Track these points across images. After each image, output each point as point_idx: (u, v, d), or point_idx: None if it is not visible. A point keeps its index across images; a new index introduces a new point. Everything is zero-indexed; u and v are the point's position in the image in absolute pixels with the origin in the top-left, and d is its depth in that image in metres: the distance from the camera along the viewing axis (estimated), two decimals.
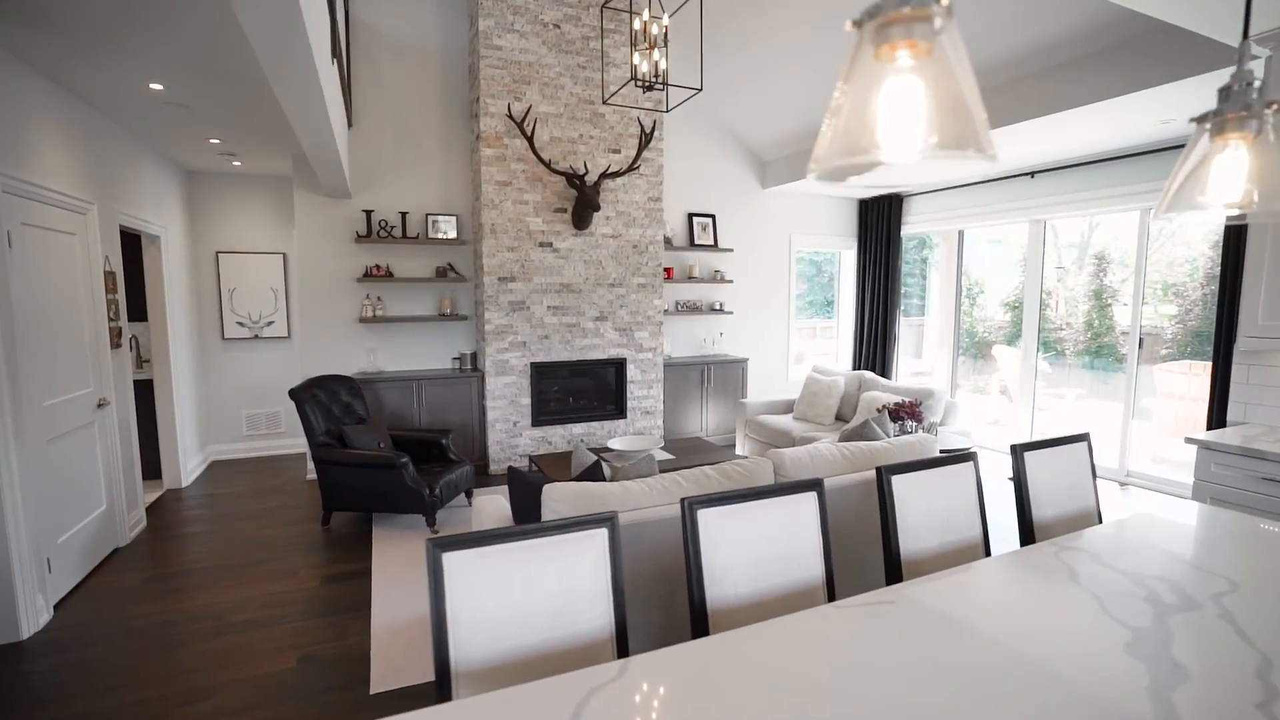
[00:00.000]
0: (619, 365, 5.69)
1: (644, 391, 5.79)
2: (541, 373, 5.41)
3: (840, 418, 5.35)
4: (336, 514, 4.28)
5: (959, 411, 4.65)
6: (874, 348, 7.10)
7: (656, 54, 3.75)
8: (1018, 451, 2.16)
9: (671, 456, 4.30)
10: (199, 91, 3.40)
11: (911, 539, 1.98)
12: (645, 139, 5.32)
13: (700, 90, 4.24)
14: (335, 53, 3.08)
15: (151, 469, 4.87)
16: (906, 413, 3.76)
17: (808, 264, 7.59)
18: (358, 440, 4.09)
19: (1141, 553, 1.75)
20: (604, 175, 5.21)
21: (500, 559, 1.42)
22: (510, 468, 2.88)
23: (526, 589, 1.44)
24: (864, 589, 1.61)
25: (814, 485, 1.85)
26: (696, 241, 6.38)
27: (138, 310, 4.80)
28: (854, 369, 7.35)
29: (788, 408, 5.74)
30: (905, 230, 6.89)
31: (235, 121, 3.99)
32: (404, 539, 3.89)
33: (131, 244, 4.63)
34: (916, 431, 3.83)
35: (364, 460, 3.90)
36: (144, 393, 4.79)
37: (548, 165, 4.98)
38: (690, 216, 6.37)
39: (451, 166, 5.39)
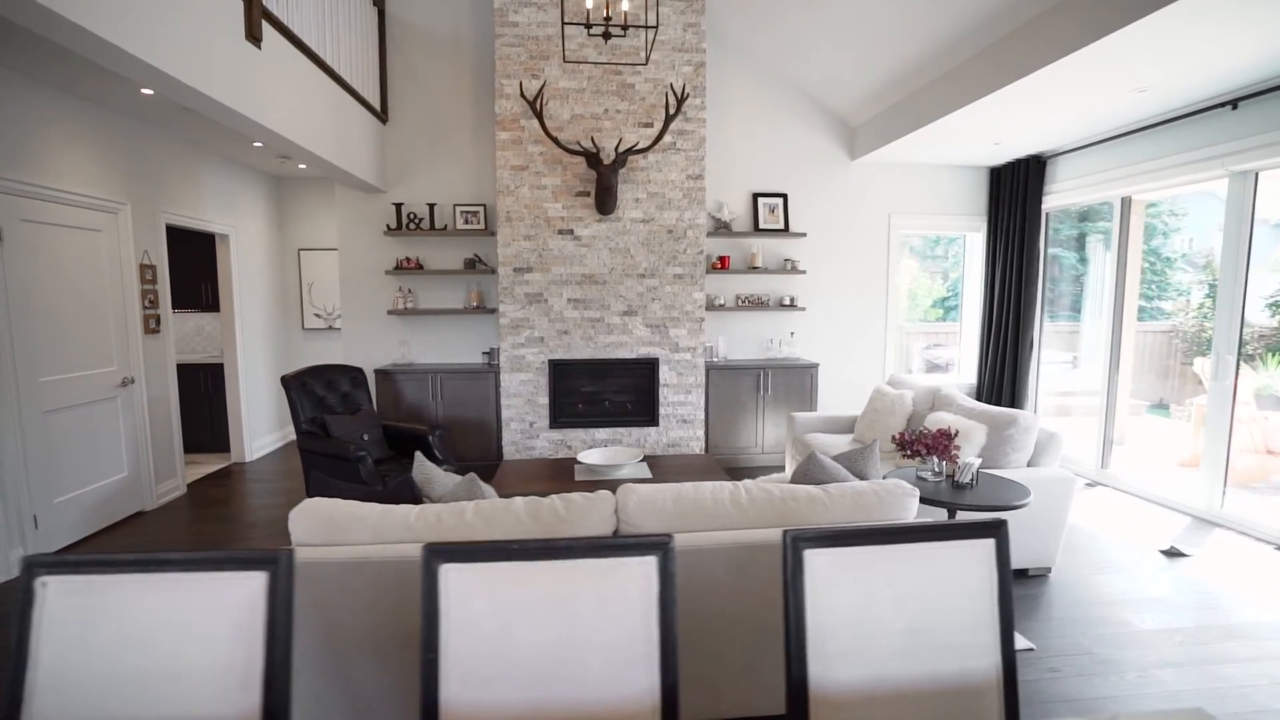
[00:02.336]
0: (650, 366, 5.07)
1: (680, 397, 5.10)
2: (561, 371, 5.01)
3: None
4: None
5: (1056, 447, 3.26)
6: (1004, 358, 5.51)
7: None
8: (793, 545, 1.17)
9: (649, 476, 3.62)
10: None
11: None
12: (674, 107, 4.64)
13: (657, 27, 3.50)
14: (253, 34, 3.00)
15: (221, 444, 5.44)
16: (927, 445, 2.65)
17: (922, 250, 6.17)
18: (338, 430, 4.07)
19: None
20: (626, 152, 4.65)
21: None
22: (408, 477, 2.54)
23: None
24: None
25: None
26: (762, 226, 5.49)
27: (212, 301, 5.40)
28: (978, 383, 5.81)
29: (849, 426, 4.62)
30: (1048, 203, 5.22)
31: None
32: None
33: (208, 241, 5.21)
34: (944, 471, 2.70)
35: (327, 450, 3.85)
36: (218, 375, 5.37)
37: (556, 142, 4.56)
38: (755, 198, 5.49)
39: (481, 156, 5.24)
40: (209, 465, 5.28)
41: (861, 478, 2.32)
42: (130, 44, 2.27)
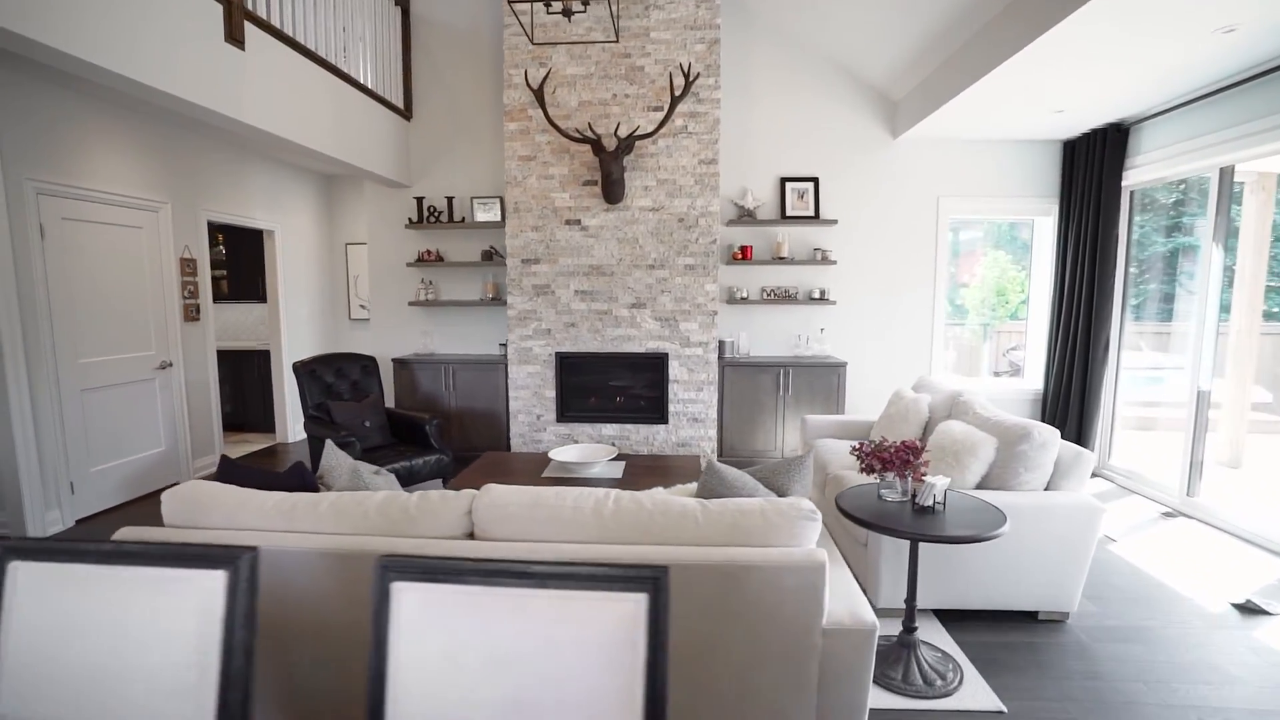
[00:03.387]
0: (659, 361, 4.87)
1: (691, 394, 4.85)
2: (568, 364, 4.93)
3: None
4: None
5: (1081, 468, 2.70)
6: (1073, 361, 4.77)
7: None
8: (382, 573, 0.98)
9: (617, 476, 3.45)
10: None
11: None
12: (681, 88, 4.40)
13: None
14: (234, 36, 3.14)
15: (270, 424, 5.87)
16: (883, 460, 2.28)
17: (999, 237, 5.49)
18: (340, 416, 4.24)
19: None
20: (629, 138, 4.46)
21: None
22: (298, 464, 2.58)
23: None
24: None
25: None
26: (790, 213, 5.10)
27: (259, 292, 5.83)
28: (1044, 390, 5.09)
29: (867, 432, 4.17)
30: (1131, 178, 4.43)
31: None
32: None
33: (256, 237, 5.63)
34: (909, 490, 2.31)
35: (321, 434, 4.01)
36: (269, 361, 5.80)
37: (558, 129, 4.46)
38: (783, 183, 5.11)
39: (498, 149, 5.25)
40: (255, 444, 5.72)
41: (781, 493, 2.03)
42: (98, 56, 2.45)
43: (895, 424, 3.74)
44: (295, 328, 5.90)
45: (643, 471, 3.53)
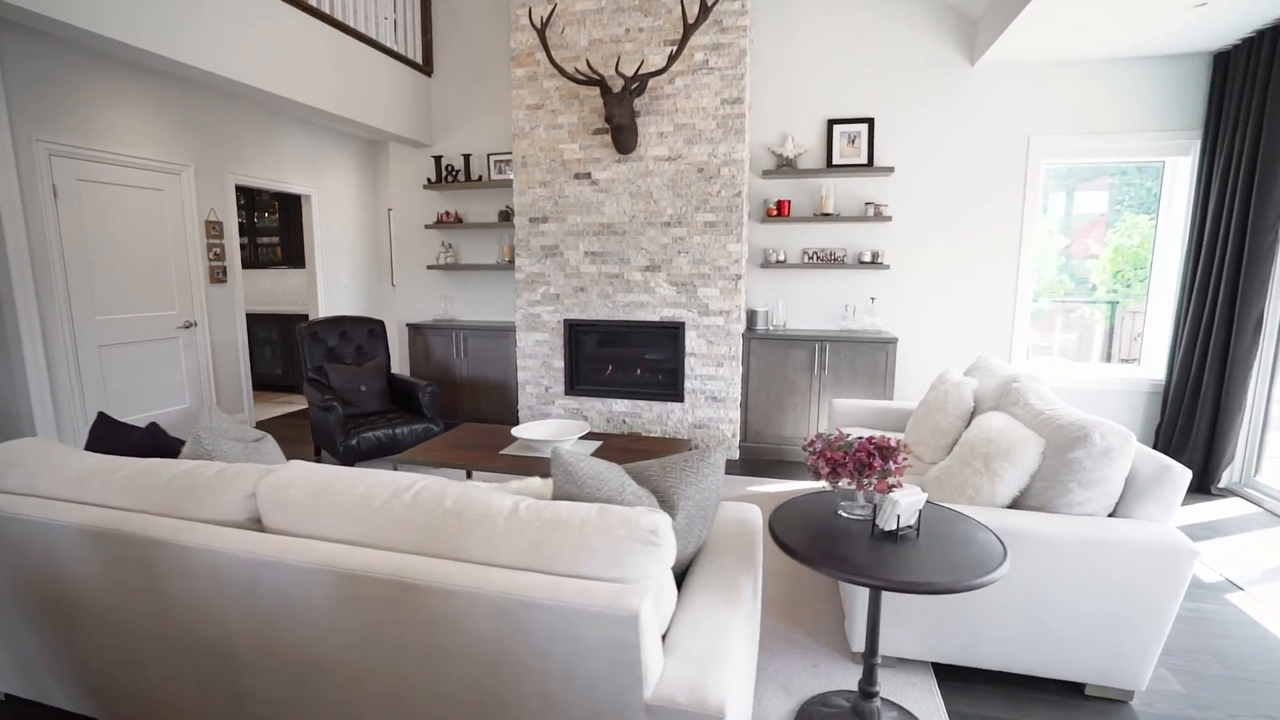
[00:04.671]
0: (675, 331, 4.35)
1: (710, 370, 4.30)
2: (578, 333, 4.55)
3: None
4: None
5: (1170, 490, 1.90)
6: (1209, 344, 3.69)
7: None
8: None
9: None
10: None
11: None
12: (696, 16, 3.78)
13: None
14: None
15: None
16: (833, 462, 1.67)
17: (1112, 194, 4.39)
18: (337, 380, 4.15)
19: None
20: (637, 77, 3.92)
21: None
22: (152, 425, 2.40)
23: None
24: None
25: None
26: (836, 161, 4.33)
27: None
28: (1165, 379, 4.03)
29: (905, 421, 3.44)
30: None
31: None
32: None
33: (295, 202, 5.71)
34: (873, 497, 1.69)
35: (313, 399, 3.93)
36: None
37: (560, 69, 4.00)
38: (830, 125, 4.34)
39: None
40: (294, 405, 5.89)
41: (664, 501, 1.51)
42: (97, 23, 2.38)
43: (932, 414, 3.01)
44: (334, 293, 5.98)
45: (617, 454, 3.08)
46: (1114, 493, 1.97)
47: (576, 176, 4.34)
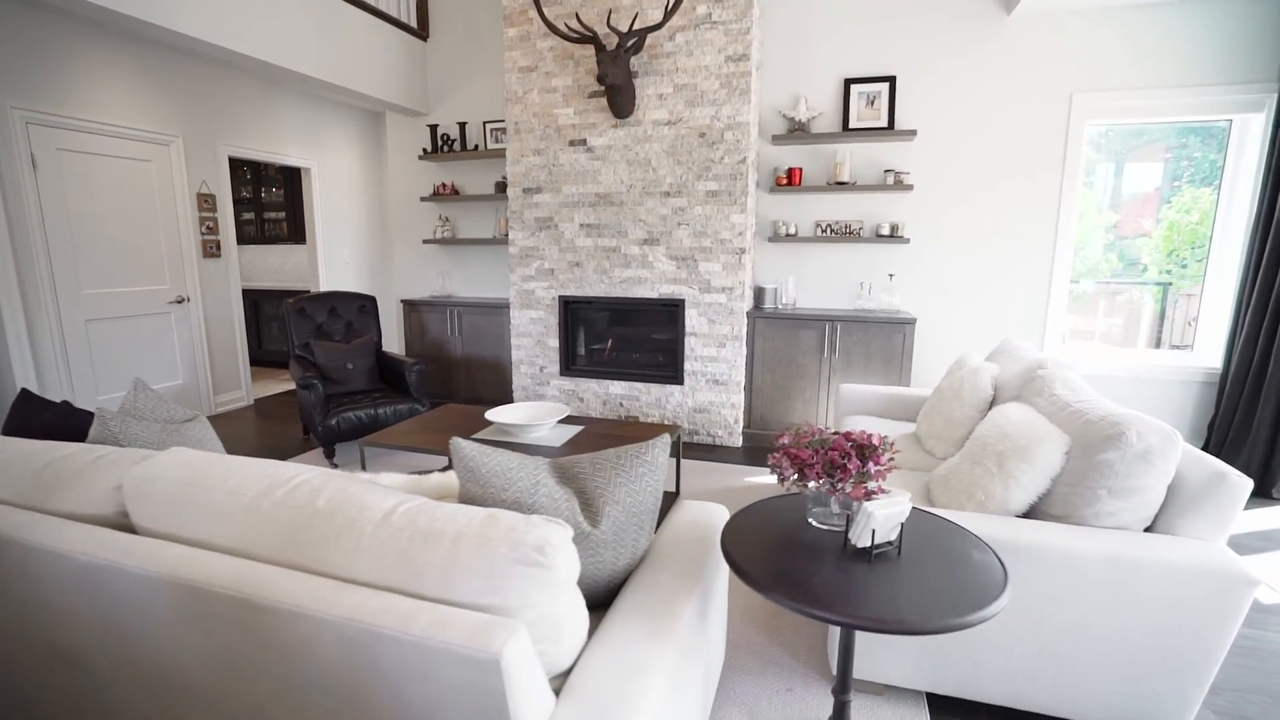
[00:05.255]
0: (674, 309, 4.08)
1: (711, 350, 4.03)
2: (573, 310, 4.31)
3: None
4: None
5: (1225, 502, 1.57)
6: (1276, 336, 3.25)
7: None
8: None
9: (555, 445, 2.81)
10: None
11: None
12: None
13: None
14: None
15: None
16: (797, 460, 1.40)
17: (1168, 166, 3.92)
18: (322, 357, 4.01)
19: None
20: (631, 32, 3.61)
21: None
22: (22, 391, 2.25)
23: None
24: None
25: None
26: (854, 124, 3.96)
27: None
28: (1223, 370, 3.62)
29: (918, 409, 3.12)
30: None
31: None
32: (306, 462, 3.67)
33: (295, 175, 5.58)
34: (850, 505, 1.42)
35: (294, 375, 3.80)
36: None
37: (549, 25, 3.70)
38: (847, 85, 3.96)
39: None
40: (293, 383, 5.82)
41: (587, 505, 1.27)
42: None
43: (945, 402, 2.70)
44: (338, 269, 5.86)
45: (598, 440, 2.86)
46: (1152, 503, 1.65)
47: (571, 144, 4.07)
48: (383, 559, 1.02)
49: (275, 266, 6.84)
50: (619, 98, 3.79)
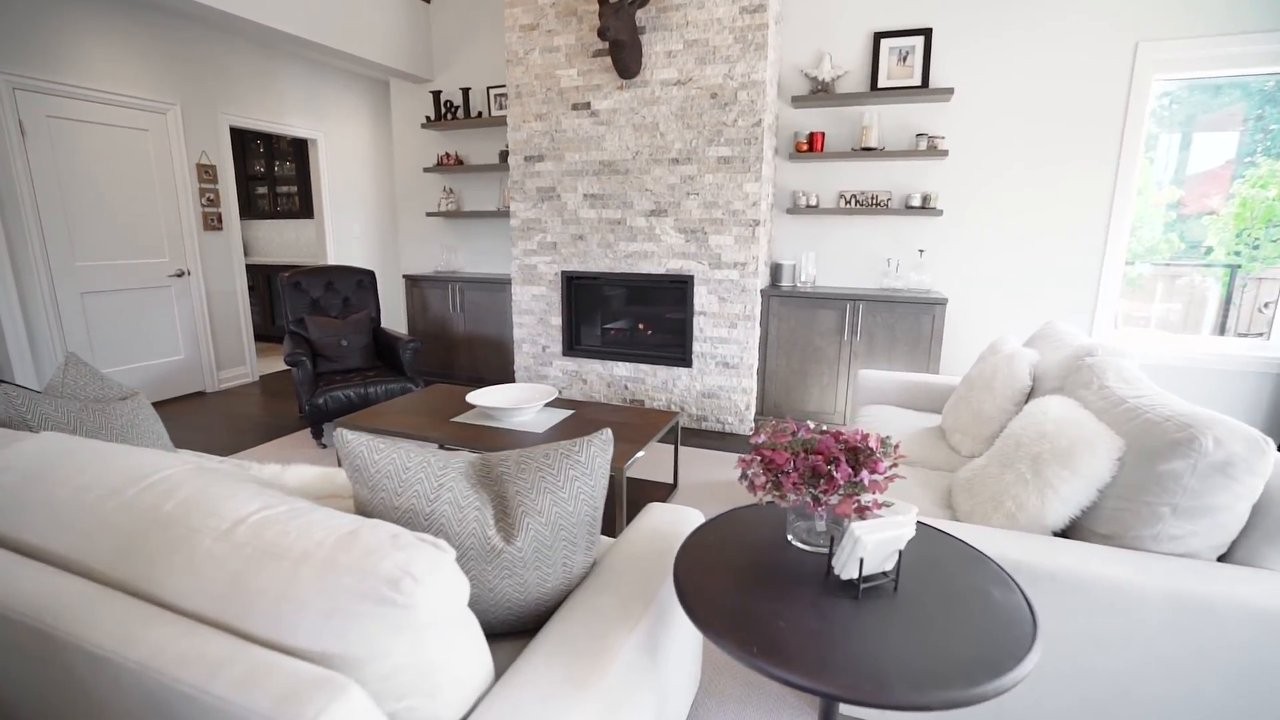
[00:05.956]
0: (683, 286, 3.81)
1: (722, 331, 3.75)
2: (576, 286, 4.07)
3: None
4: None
5: None
6: None
7: None
8: None
9: (538, 432, 2.59)
10: None
11: None
12: None
13: None
14: None
15: None
16: (770, 467, 1.14)
17: (1244, 135, 3.44)
18: (316, 332, 3.87)
19: None
20: None
21: None
22: None
23: None
24: None
25: None
26: (882, 84, 3.59)
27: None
28: None
29: (944, 399, 2.80)
30: None
31: None
32: (293, 441, 3.56)
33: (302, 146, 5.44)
34: (840, 523, 1.16)
35: (293, 351, 3.66)
36: None
37: None
38: (877, 39, 3.58)
39: None
40: None
41: (505, 513, 1.04)
42: None
43: (975, 393, 2.38)
44: (346, 243, 5.73)
45: (587, 426, 2.63)
46: (1231, 526, 1.34)
47: (575, 107, 3.79)
48: (215, 583, 0.81)
49: (290, 241, 6.77)
50: (624, 55, 3.49)
